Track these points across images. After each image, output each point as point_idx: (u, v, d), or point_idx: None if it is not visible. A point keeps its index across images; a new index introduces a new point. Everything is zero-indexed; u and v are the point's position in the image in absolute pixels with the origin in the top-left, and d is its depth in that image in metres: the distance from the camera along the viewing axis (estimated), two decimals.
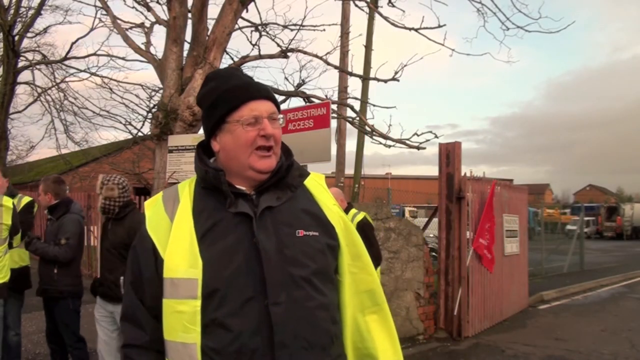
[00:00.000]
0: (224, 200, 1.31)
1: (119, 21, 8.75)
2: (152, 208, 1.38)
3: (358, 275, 1.41)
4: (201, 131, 8.74)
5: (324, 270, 1.33)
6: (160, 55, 8.52)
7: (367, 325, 1.40)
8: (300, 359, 1.24)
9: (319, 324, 1.29)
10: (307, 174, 1.44)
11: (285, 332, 1.23)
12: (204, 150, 1.42)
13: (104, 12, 9.37)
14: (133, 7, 8.86)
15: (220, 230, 1.28)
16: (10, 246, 3.98)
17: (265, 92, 1.36)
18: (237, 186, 1.33)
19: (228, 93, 1.34)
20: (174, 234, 1.28)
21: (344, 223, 1.42)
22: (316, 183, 1.46)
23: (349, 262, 1.39)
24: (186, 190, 1.36)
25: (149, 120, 9.22)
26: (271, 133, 1.31)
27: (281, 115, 1.38)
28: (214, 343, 1.22)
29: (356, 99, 9.89)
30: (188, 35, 8.29)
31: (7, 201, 3.86)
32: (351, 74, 9.67)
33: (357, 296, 1.40)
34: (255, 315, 1.23)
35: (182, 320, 1.23)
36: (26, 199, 4.54)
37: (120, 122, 13.24)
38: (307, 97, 6.41)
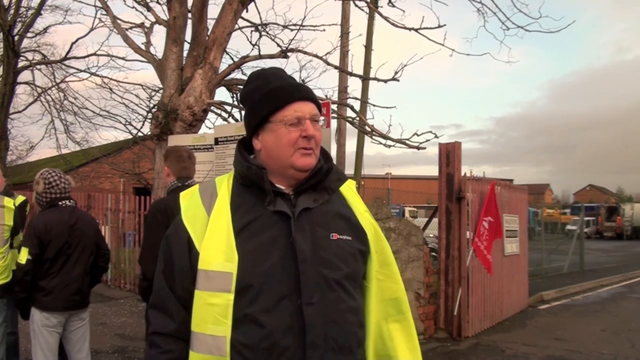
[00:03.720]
0: (263, 197, 1.31)
1: (119, 21, 8.75)
2: (189, 200, 1.38)
3: (384, 283, 1.42)
4: (203, 130, 8.75)
5: (354, 274, 1.35)
6: (160, 55, 8.50)
7: (390, 333, 1.41)
8: None
9: (348, 327, 1.30)
10: (345, 179, 1.45)
11: (317, 333, 1.24)
12: (243, 147, 1.43)
13: (104, 12, 9.37)
14: (133, 7, 8.85)
15: (258, 226, 1.29)
16: (11, 246, 3.98)
17: (308, 94, 1.37)
18: (277, 185, 1.34)
19: (272, 93, 1.35)
20: (211, 227, 1.29)
21: (374, 229, 1.43)
22: (349, 188, 1.47)
23: (376, 269, 1.40)
24: (224, 185, 1.37)
25: (149, 120, 9.22)
26: (312, 134, 1.33)
27: (322, 118, 1.39)
28: (245, 338, 1.23)
29: (356, 99, 9.89)
30: (188, 35, 8.27)
31: (9, 202, 3.87)
32: (351, 74, 9.67)
33: (382, 303, 1.41)
34: (288, 313, 1.24)
35: (214, 313, 1.24)
36: (20, 199, 4.52)
37: (120, 122, 13.26)
38: None
